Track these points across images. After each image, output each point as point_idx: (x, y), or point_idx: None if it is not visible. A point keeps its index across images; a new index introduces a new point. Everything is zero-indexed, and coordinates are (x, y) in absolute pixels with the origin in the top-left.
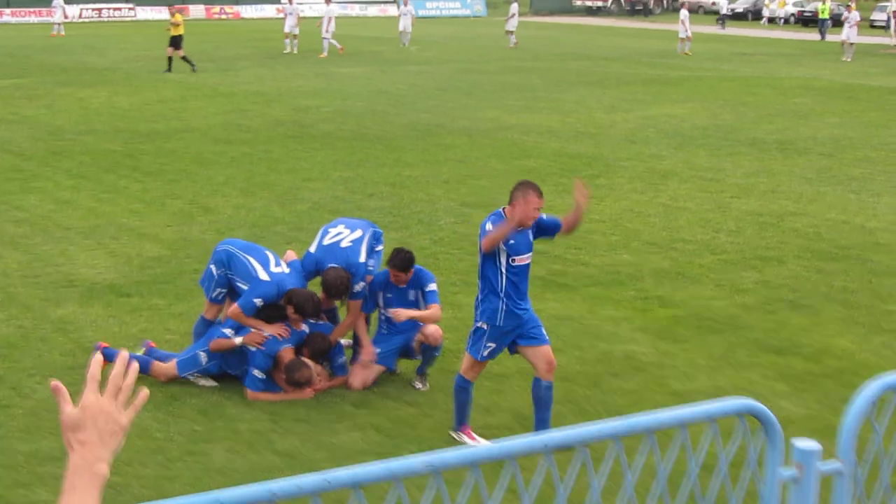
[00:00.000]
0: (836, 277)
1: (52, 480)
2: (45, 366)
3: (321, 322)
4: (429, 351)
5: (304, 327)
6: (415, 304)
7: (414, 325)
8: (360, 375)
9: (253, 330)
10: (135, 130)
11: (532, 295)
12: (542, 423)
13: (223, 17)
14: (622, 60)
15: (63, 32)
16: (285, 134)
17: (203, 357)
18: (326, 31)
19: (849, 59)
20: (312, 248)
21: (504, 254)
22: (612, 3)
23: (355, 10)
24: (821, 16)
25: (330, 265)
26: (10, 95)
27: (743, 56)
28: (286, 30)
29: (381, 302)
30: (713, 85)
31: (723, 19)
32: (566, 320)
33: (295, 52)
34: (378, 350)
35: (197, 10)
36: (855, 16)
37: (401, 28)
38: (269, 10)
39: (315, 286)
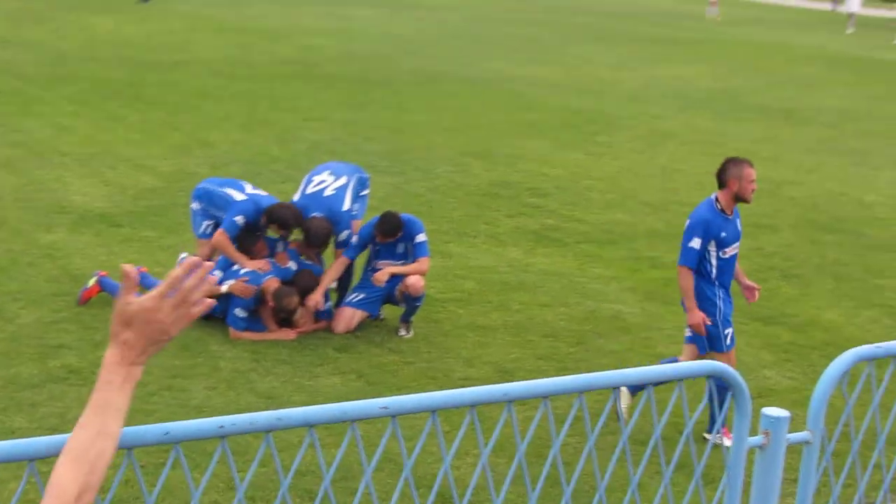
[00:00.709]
0: (830, 249)
1: (29, 407)
2: (30, 291)
3: (309, 262)
4: (410, 301)
5: (292, 264)
6: (403, 256)
7: (399, 277)
8: (344, 320)
9: (239, 279)
10: (139, 60)
11: (524, 249)
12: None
13: None
14: (633, 18)
15: None
16: (289, 72)
17: None
18: None
19: (851, 31)
20: (296, 197)
21: (714, 247)
22: None
23: None
24: None
25: (313, 214)
26: (18, 18)
27: (755, 21)
28: None
29: (370, 251)
30: (723, 49)
31: None
32: (555, 276)
33: None
34: (358, 297)
35: None
36: None
37: None
38: None
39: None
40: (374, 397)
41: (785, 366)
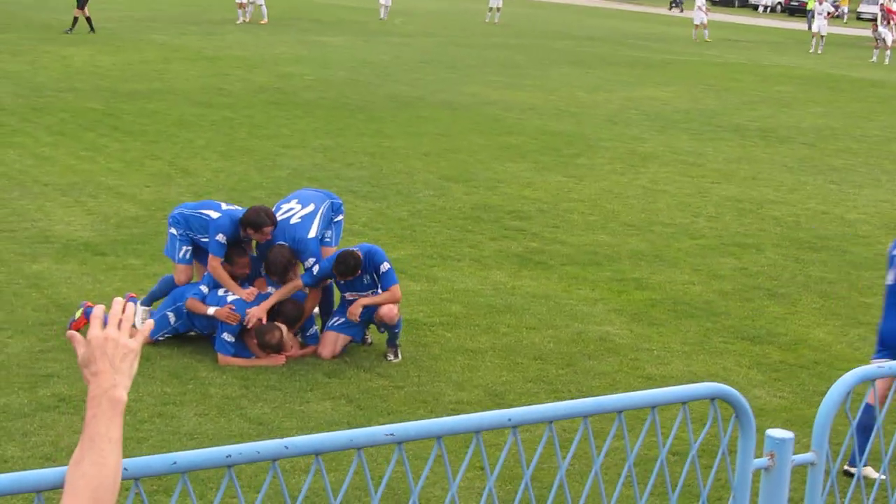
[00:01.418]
0: (815, 267)
1: (21, 437)
2: (17, 321)
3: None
4: (389, 328)
5: (271, 290)
6: (371, 286)
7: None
8: (329, 344)
9: (226, 306)
10: (116, 90)
11: (508, 272)
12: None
13: None
14: (607, 41)
15: None
16: (267, 100)
17: (171, 317)
18: None
19: (818, 52)
20: None
21: None
22: None
23: None
24: (809, 6)
25: (277, 242)
26: None
27: (727, 42)
28: None
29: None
30: (697, 69)
31: (679, 2)
32: (541, 299)
33: (247, 20)
34: (340, 321)
35: None
36: (826, 7)
37: (382, 2)
38: None
39: None
40: (365, 422)
41: (775, 385)
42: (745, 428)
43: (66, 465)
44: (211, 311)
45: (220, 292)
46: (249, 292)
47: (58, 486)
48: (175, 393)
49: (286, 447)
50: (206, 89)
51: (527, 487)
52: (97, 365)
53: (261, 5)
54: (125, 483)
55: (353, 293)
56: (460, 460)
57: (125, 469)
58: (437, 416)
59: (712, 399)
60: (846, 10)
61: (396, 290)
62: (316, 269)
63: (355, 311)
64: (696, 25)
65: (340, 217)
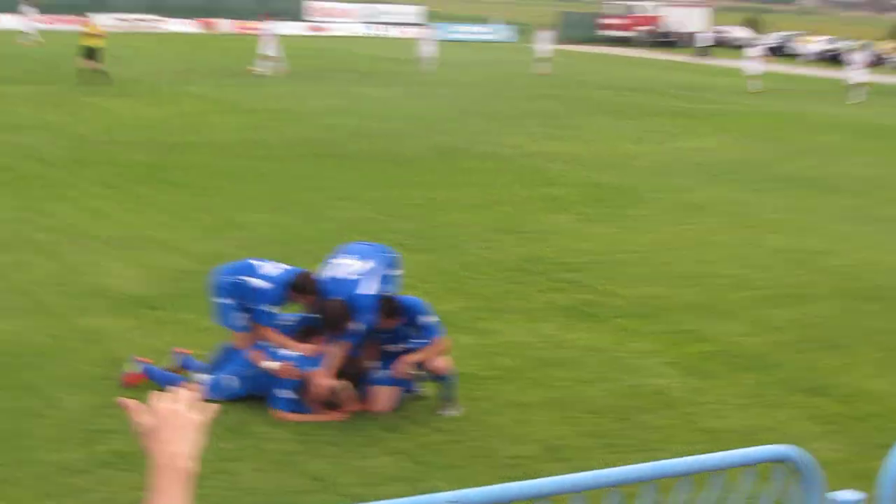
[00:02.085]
0: (871, 318)
1: (79, 493)
2: (74, 375)
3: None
4: (441, 381)
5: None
6: (411, 338)
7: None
8: (383, 398)
9: (286, 362)
10: (159, 142)
11: (560, 325)
12: None
13: (248, 32)
14: (646, 91)
15: (40, 40)
16: (310, 152)
17: (235, 381)
18: (263, 49)
19: (855, 101)
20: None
21: None
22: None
23: (378, 30)
24: None
25: (331, 297)
26: (37, 102)
27: (770, 91)
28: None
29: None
30: (741, 120)
31: (705, 50)
32: (594, 352)
33: (268, 73)
34: (389, 372)
35: (224, 25)
36: (858, 56)
37: (423, 53)
38: (298, 28)
39: None
40: (424, 478)
41: (833, 437)
42: (811, 491)
43: None
44: (273, 365)
45: (279, 350)
46: (310, 348)
47: None
48: (232, 448)
49: None
50: (249, 142)
51: None
52: (163, 434)
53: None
54: None
55: (392, 346)
56: None
57: None
58: (495, 472)
59: (779, 461)
60: (866, 57)
61: (440, 341)
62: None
63: (403, 369)
64: (750, 77)
65: (396, 271)
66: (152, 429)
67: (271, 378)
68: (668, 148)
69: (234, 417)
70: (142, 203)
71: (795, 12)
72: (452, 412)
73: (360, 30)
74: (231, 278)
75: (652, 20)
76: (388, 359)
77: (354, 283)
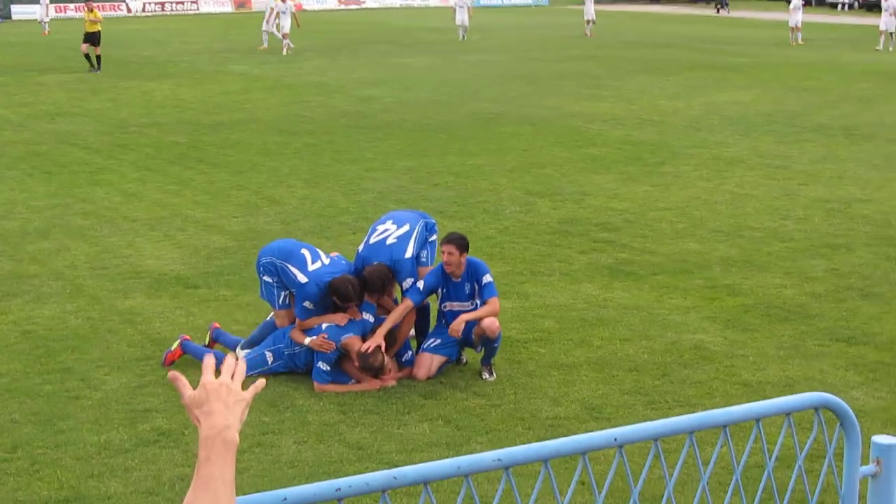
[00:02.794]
0: None
1: (122, 472)
2: (113, 357)
3: (383, 316)
4: (488, 342)
5: (369, 317)
6: (471, 296)
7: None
8: (424, 366)
9: (320, 335)
10: (198, 122)
11: (599, 284)
12: None
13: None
14: (680, 47)
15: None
16: (348, 124)
17: (270, 357)
18: (267, 24)
19: (885, 49)
20: (361, 248)
21: None
22: None
23: (416, 1)
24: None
25: (374, 262)
26: (76, 89)
27: (806, 41)
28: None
29: (438, 296)
30: (776, 71)
31: (724, 4)
32: (634, 310)
33: (284, 52)
34: (435, 342)
35: (259, 3)
36: (892, 3)
37: (458, 21)
38: (332, 2)
39: None
40: (464, 442)
41: (873, 385)
42: (850, 437)
43: (169, 498)
44: (307, 341)
45: (316, 325)
46: (342, 317)
47: None
48: (273, 422)
49: (395, 478)
50: (288, 117)
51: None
52: (211, 405)
53: (265, 31)
54: None
55: (452, 303)
56: (563, 477)
57: None
58: (534, 433)
59: (817, 409)
60: None
61: (496, 302)
62: (421, 285)
63: (458, 327)
64: (792, 28)
65: (434, 237)
66: (201, 402)
67: (312, 353)
68: (703, 102)
69: (275, 391)
70: (179, 184)
71: None
72: (490, 377)
73: (395, 1)
74: (278, 262)
75: None
76: (440, 328)
77: (394, 247)
